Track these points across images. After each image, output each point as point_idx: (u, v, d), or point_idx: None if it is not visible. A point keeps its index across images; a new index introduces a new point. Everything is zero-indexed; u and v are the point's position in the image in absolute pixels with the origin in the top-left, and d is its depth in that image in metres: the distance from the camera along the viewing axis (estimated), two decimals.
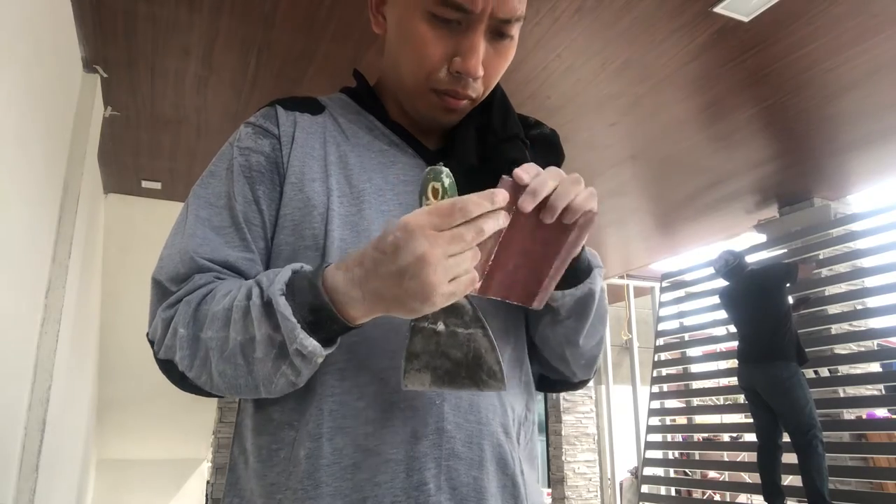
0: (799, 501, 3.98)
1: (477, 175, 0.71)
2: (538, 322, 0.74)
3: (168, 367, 0.67)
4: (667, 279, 5.75)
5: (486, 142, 0.76)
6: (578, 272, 0.69)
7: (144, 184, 4.34)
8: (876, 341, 4.28)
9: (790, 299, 3.95)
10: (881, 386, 4.22)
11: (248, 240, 0.71)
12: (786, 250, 4.67)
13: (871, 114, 3.44)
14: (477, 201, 0.54)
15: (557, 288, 0.67)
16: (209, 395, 0.68)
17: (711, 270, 4.66)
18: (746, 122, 3.55)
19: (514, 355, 0.74)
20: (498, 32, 0.70)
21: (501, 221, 0.55)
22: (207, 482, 7.02)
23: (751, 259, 4.89)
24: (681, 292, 5.57)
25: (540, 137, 0.81)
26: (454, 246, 0.53)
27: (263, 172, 0.73)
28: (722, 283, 4.19)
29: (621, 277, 7.27)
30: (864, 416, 4.61)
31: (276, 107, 0.77)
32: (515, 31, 0.71)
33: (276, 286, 0.59)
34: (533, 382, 0.78)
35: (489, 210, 0.54)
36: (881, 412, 4.76)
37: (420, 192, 0.59)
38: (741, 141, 3.79)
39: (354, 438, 0.64)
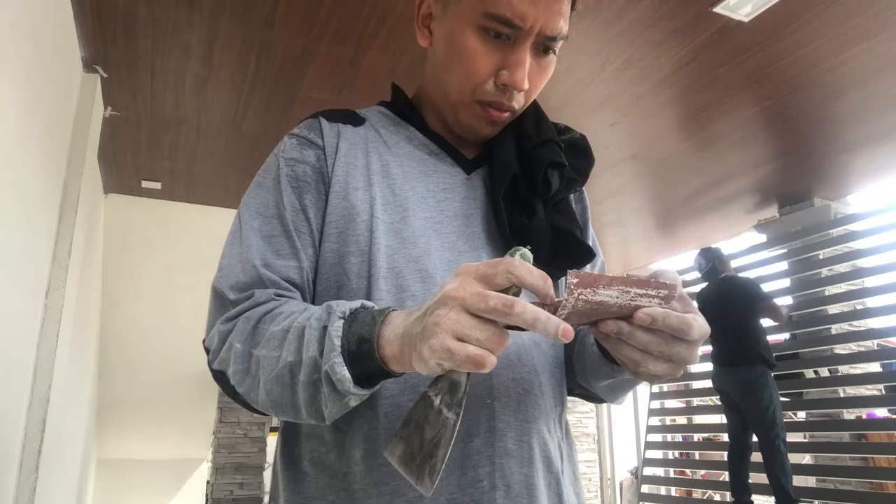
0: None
1: (517, 181, 0.76)
2: (583, 368, 0.76)
3: (220, 379, 0.68)
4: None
5: (522, 147, 0.79)
6: None
7: (144, 184, 4.34)
8: (876, 341, 4.28)
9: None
10: (881, 386, 4.22)
11: (299, 248, 0.72)
12: (786, 250, 4.67)
13: (871, 114, 3.44)
14: (529, 270, 0.51)
15: (607, 359, 0.67)
16: (258, 412, 0.68)
17: None
18: (746, 121, 3.55)
19: (555, 354, 0.76)
20: (543, 48, 0.73)
21: (543, 323, 0.49)
22: (207, 482, 7.02)
23: (751, 259, 4.89)
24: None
25: (570, 142, 0.83)
26: (475, 300, 0.50)
27: (309, 182, 0.75)
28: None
29: None
30: (864, 416, 4.61)
31: (320, 118, 0.79)
32: (558, 48, 0.74)
33: (340, 310, 0.59)
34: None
35: (540, 288, 0.51)
36: (881, 412, 4.76)
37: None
38: (741, 141, 3.79)
39: None
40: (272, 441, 7.01)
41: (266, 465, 6.70)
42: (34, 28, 1.99)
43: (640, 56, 2.93)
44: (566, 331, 0.48)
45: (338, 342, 0.56)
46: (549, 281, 0.51)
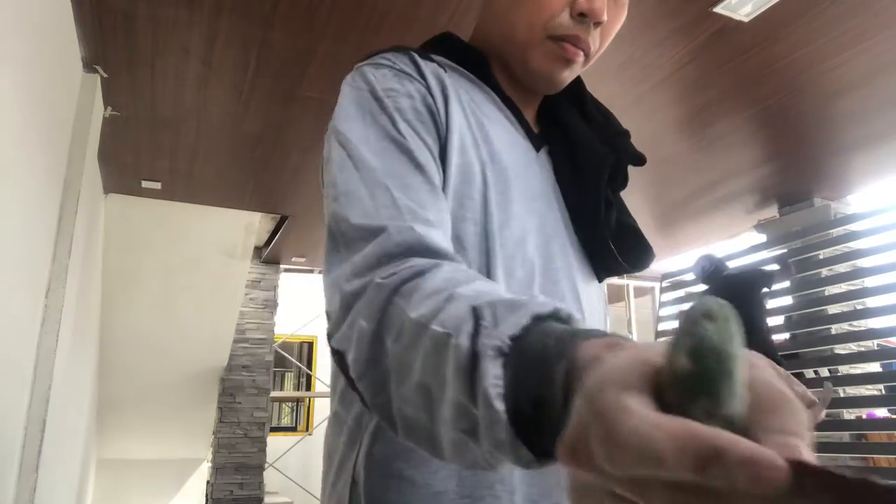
0: None
1: (587, 168, 0.68)
2: None
3: (339, 361, 0.51)
4: (667, 279, 5.74)
5: (596, 134, 0.73)
6: None
7: (144, 184, 4.34)
8: (876, 341, 4.28)
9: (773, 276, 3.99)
10: (881, 386, 4.22)
11: (436, 185, 0.58)
12: (786, 250, 4.67)
13: (871, 114, 3.44)
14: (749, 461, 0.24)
15: None
16: (385, 422, 0.48)
17: None
18: (746, 121, 3.55)
19: None
20: None
21: None
22: (207, 482, 7.02)
23: (751, 259, 4.89)
24: (681, 292, 5.57)
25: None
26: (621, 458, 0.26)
27: (424, 122, 0.61)
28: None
29: (621, 277, 7.27)
30: (864, 416, 4.61)
31: (410, 52, 0.67)
32: None
33: (496, 338, 0.36)
34: None
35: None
36: (881, 412, 4.76)
37: (679, 339, 0.28)
38: (741, 141, 3.79)
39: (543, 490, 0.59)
40: (272, 441, 7.02)
41: (266, 465, 6.70)
42: (34, 28, 1.99)
43: (641, 56, 2.93)
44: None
45: (500, 407, 0.34)
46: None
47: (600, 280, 0.76)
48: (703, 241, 5.72)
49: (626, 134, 0.74)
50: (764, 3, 2.54)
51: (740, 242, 5.46)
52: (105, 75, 3.02)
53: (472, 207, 0.61)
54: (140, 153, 3.93)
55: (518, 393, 0.35)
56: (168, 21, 2.67)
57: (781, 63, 2.98)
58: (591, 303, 0.71)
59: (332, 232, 0.56)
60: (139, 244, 5.04)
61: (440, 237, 0.53)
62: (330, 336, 0.53)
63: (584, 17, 0.65)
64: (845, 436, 4.20)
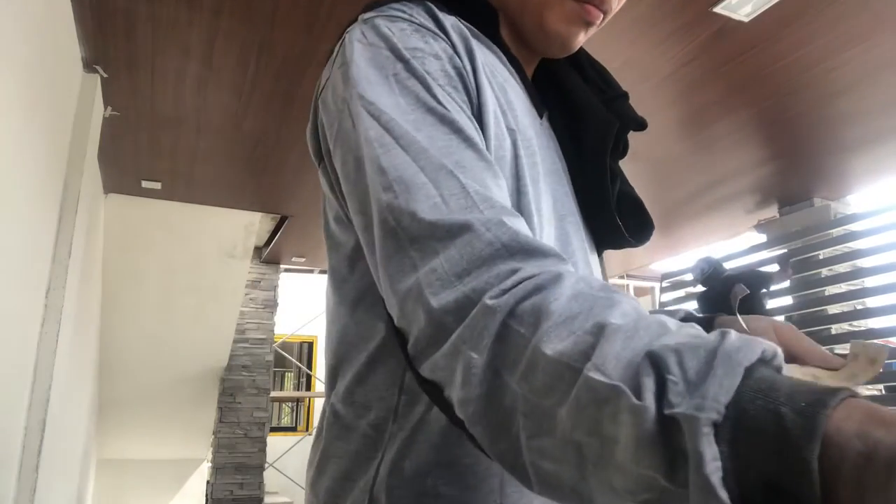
0: None
1: (594, 134, 0.62)
2: None
3: (433, 394, 0.44)
4: (667, 279, 5.74)
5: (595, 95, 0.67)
6: None
7: (144, 184, 4.34)
8: (876, 341, 4.28)
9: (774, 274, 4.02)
10: (881, 386, 4.22)
11: (488, 158, 0.49)
12: (786, 250, 4.67)
13: (871, 114, 3.44)
14: None
15: None
16: (521, 480, 0.39)
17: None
18: (746, 121, 3.55)
19: None
20: None
21: None
22: (207, 482, 7.02)
23: (751, 259, 4.90)
24: (681, 292, 5.57)
25: None
26: None
27: (456, 85, 0.53)
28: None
29: (621, 277, 7.27)
30: None
31: (427, 3, 0.58)
32: None
33: (710, 413, 0.29)
34: None
35: None
36: None
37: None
38: (741, 141, 3.78)
39: None
40: (272, 441, 7.02)
41: (266, 465, 6.70)
42: (34, 28, 1.99)
43: (640, 56, 2.93)
44: None
45: (725, 496, 0.27)
46: None
47: (600, 254, 0.73)
48: (703, 241, 5.72)
49: (625, 96, 0.69)
50: (764, 3, 2.54)
51: (740, 242, 5.46)
52: (105, 75, 3.01)
53: (504, 182, 0.51)
54: (140, 153, 3.93)
55: (745, 479, 0.28)
56: (168, 21, 2.67)
57: (781, 63, 2.98)
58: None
59: (391, 230, 0.45)
60: (139, 244, 5.04)
61: (528, 230, 0.45)
62: (416, 360, 0.44)
63: None
64: None
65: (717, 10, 2.58)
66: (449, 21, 0.57)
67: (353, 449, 0.56)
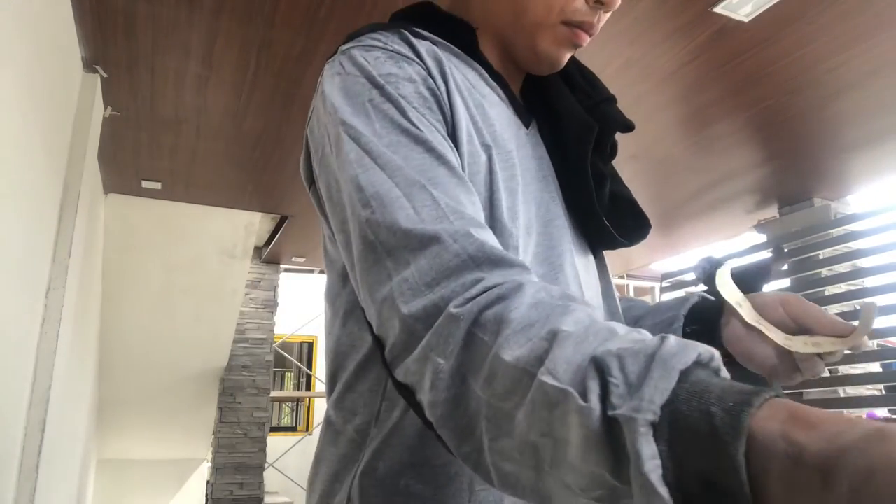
0: None
1: (578, 140, 0.65)
2: None
3: (407, 397, 0.47)
4: (667, 279, 5.74)
5: (580, 102, 0.70)
6: None
7: (144, 184, 4.34)
8: (876, 341, 4.28)
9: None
10: (881, 386, 4.22)
11: (462, 175, 0.53)
12: (786, 250, 4.67)
13: (871, 114, 3.44)
14: None
15: None
16: (484, 478, 0.43)
17: None
18: (746, 122, 3.55)
19: None
20: None
21: None
22: (207, 482, 7.02)
23: (751, 259, 4.89)
24: (681, 292, 5.56)
25: None
26: None
27: (431, 107, 0.57)
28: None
29: (621, 277, 7.27)
30: (864, 416, 4.61)
31: (401, 31, 0.63)
32: None
33: (642, 404, 0.31)
34: None
35: None
36: (881, 412, 4.76)
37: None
38: (741, 141, 3.79)
39: None
40: (272, 441, 7.02)
41: (266, 465, 6.71)
42: (34, 28, 1.99)
43: (641, 56, 2.93)
44: None
45: (665, 492, 0.30)
46: None
47: (595, 255, 0.74)
48: (703, 241, 5.72)
49: (611, 100, 0.71)
50: (764, 3, 2.54)
51: (740, 242, 5.46)
52: (105, 75, 3.02)
53: (479, 199, 0.55)
54: (140, 153, 3.93)
55: (683, 476, 0.30)
56: (168, 21, 2.67)
57: (782, 63, 2.98)
58: (589, 282, 0.69)
59: (370, 243, 0.48)
60: (139, 244, 5.04)
61: (496, 241, 0.48)
62: (391, 365, 0.47)
63: (600, 5, 0.65)
64: None
65: (717, 10, 2.58)
66: (424, 46, 0.61)
67: (341, 453, 0.60)
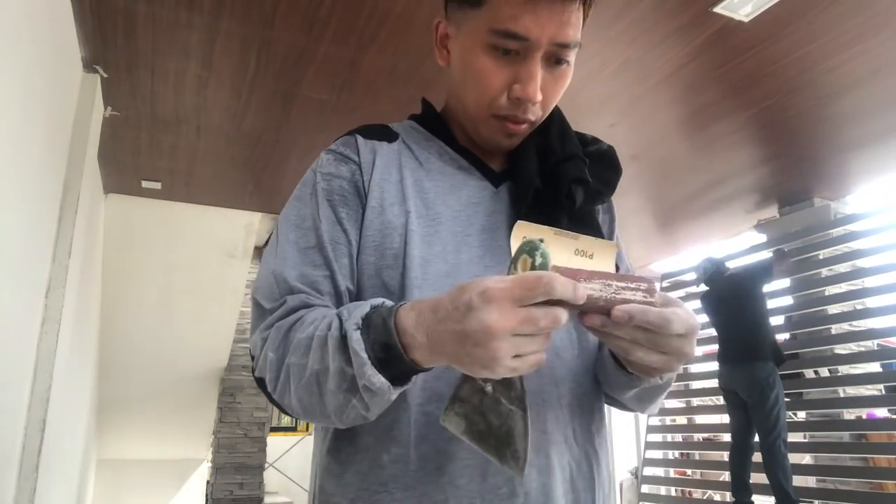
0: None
1: (541, 195, 0.77)
2: (604, 379, 0.78)
3: (262, 386, 0.71)
4: (667, 279, 5.74)
5: (547, 162, 0.80)
6: None
7: (144, 184, 4.34)
8: (876, 341, 4.28)
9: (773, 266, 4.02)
10: (881, 386, 4.22)
11: (332, 259, 0.74)
12: (785, 250, 4.67)
13: (871, 114, 3.44)
14: (564, 284, 0.52)
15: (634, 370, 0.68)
16: (293, 416, 0.72)
17: None
18: (746, 122, 3.55)
19: (581, 363, 0.77)
20: (555, 59, 0.73)
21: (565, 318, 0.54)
22: (207, 482, 7.03)
23: (751, 259, 4.90)
24: (681, 292, 5.57)
25: (597, 154, 0.84)
26: (525, 327, 0.52)
27: (346, 196, 0.77)
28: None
29: None
30: (864, 416, 4.61)
31: (356, 136, 0.81)
32: (572, 56, 0.74)
33: (353, 320, 0.61)
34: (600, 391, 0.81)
35: (571, 297, 0.52)
36: (881, 412, 4.76)
37: (511, 261, 0.58)
38: (741, 141, 3.79)
39: (436, 445, 0.69)
40: (272, 441, 7.02)
41: (266, 465, 6.70)
42: (34, 28, 1.99)
43: (640, 56, 2.93)
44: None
45: (364, 355, 0.59)
46: (580, 288, 0.54)
47: None
48: (703, 241, 5.72)
49: (572, 157, 0.80)
50: (764, 3, 2.54)
51: (740, 242, 5.46)
52: (105, 75, 3.02)
53: (393, 255, 0.74)
54: (140, 153, 3.93)
55: (373, 344, 0.59)
56: (168, 21, 2.67)
57: (781, 63, 2.98)
58: None
59: (253, 304, 0.76)
60: (139, 244, 5.04)
61: (318, 296, 0.72)
62: (253, 371, 0.72)
63: (521, 100, 0.73)
64: (845, 436, 4.20)
65: (717, 10, 2.58)
66: (368, 146, 0.80)
67: (318, 451, 0.79)
